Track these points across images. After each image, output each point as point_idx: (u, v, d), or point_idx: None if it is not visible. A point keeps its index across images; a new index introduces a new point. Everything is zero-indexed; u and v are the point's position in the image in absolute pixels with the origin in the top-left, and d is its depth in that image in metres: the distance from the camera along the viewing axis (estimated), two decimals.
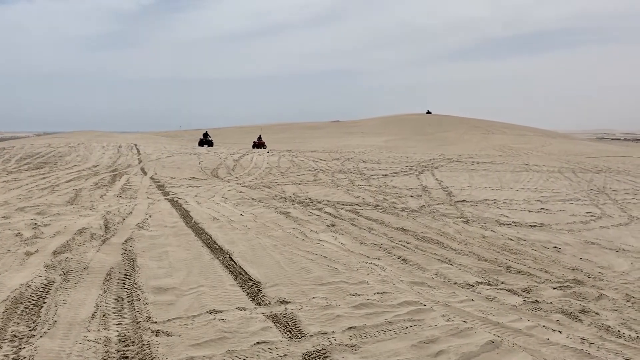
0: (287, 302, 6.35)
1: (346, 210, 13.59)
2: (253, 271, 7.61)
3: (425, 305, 6.33)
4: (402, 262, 8.50)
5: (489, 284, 7.39)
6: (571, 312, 6.30)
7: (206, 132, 47.22)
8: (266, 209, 13.45)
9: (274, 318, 5.83)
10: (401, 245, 9.66)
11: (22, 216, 10.99)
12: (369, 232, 10.84)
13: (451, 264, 8.39)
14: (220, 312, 5.97)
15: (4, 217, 10.85)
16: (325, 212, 13.20)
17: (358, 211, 13.53)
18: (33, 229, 9.74)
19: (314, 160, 30.00)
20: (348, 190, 18.16)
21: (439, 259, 8.69)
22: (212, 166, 25.89)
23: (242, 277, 7.34)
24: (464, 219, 12.69)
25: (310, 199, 15.63)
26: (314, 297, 6.55)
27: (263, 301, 6.41)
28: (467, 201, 15.82)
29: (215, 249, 8.87)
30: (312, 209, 13.65)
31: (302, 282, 7.17)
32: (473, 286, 7.26)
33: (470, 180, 21.42)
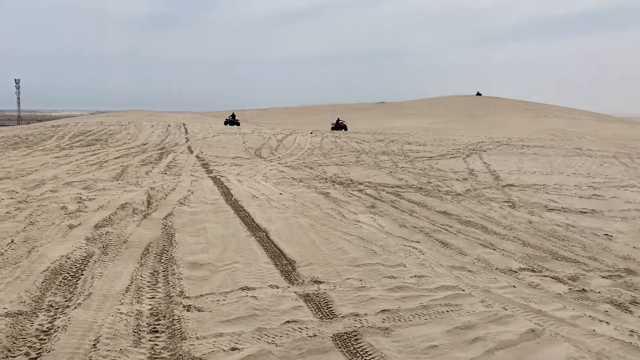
0: (320, 282, 6.24)
1: (387, 192, 13.35)
2: (288, 250, 7.54)
3: (463, 290, 6.09)
4: (442, 245, 8.24)
5: (533, 271, 7.06)
6: (621, 303, 5.92)
7: (233, 113, 49.79)
8: (306, 188, 13.37)
9: (306, 297, 5.74)
10: (443, 228, 9.39)
11: (68, 190, 11.30)
12: (410, 214, 10.60)
13: (494, 249, 8.08)
14: (253, 289, 5.92)
15: (52, 190, 11.19)
16: (366, 194, 13.00)
17: (400, 193, 13.26)
18: (78, 202, 9.99)
19: (357, 142, 29.72)
20: (391, 172, 17.87)
21: (481, 244, 8.38)
22: (256, 146, 26.02)
23: (277, 256, 7.28)
24: (510, 204, 12.24)
25: (351, 180, 15.45)
26: (348, 278, 6.42)
27: (296, 280, 6.33)
28: (515, 185, 15.27)
29: (253, 227, 8.85)
30: (353, 190, 13.48)
31: (337, 263, 7.05)
32: (516, 272, 6.96)
33: (519, 164, 20.69)
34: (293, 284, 6.20)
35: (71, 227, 8.21)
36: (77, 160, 17.56)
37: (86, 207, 9.70)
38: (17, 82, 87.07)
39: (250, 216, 9.62)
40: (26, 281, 5.84)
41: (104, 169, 15.32)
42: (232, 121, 45.57)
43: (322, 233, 8.61)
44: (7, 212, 9.06)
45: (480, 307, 5.58)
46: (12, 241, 7.35)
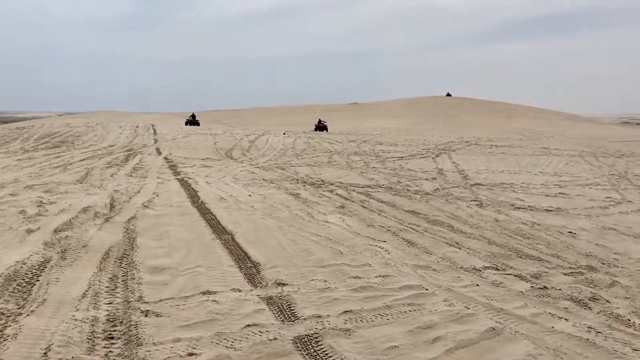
0: (284, 284, 6.16)
1: (358, 193, 13.35)
2: (254, 252, 7.44)
3: (427, 289, 6.09)
4: (408, 245, 8.25)
5: (497, 269, 7.12)
6: (580, 299, 6.00)
7: (193, 113, 50.50)
8: (276, 190, 13.28)
9: (269, 300, 5.66)
10: (410, 228, 9.41)
11: (29, 194, 10.98)
12: (379, 214, 10.60)
13: (459, 248, 8.12)
14: (214, 293, 5.81)
15: (12, 194, 10.86)
16: (336, 194, 12.97)
17: (370, 193, 13.27)
18: (38, 206, 9.70)
19: (329, 142, 29.72)
20: (362, 172, 17.89)
21: (447, 243, 8.42)
22: (227, 147, 25.80)
23: (241, 258, 7.18)
24: (477, 203, 12.36)
25: (322, 181, 15.42)
26: (312, 280, 6.36)
27: (260, 283, 6.24)
28: (482, 184, 15.44)
29: (218, 229, 8.72)
30: (323, 191, 13.44)
31: (302, 264, 6.99)
32: (480, 271, 7.00)
33: (487, 164, 20.96)
34: (256, 286, 6.12)
35: (29, 231, 7.96)
36: (40, 162, 17.12)
37: (46, 210, 9.42)
38: None
39: (216, 219, 9.49)
40: None
41: (67, 172, 14.96)
42: (192, 121, 46.39)
43: (290, 234, 8.54)
44: None
45: (443, 306, 5.58)
46: None
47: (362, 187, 14.33)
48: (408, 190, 14.05)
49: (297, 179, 15.62)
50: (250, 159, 21.90)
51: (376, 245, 8.04)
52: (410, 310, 5.47)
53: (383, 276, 6.50)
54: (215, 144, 27.07)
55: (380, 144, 29.94)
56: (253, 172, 17.08)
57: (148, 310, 5.25)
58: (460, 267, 7.12)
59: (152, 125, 36.67)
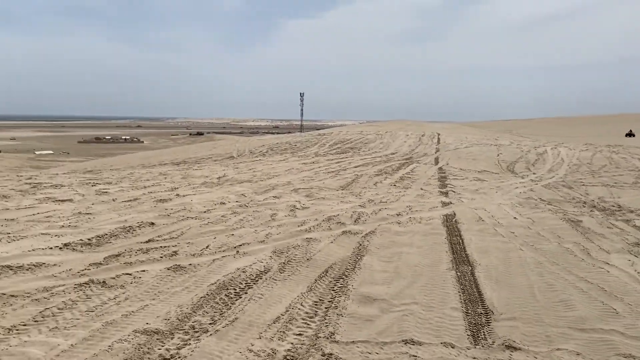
0: (515, 349, 4.58)
1: None
2: (491, 294, 5.94)
3: None
4: None
5: None
6: None
7: (630, 130, 53.58)
8: (551, 213, 11.07)
9: None
10: None
11: (290, 197, 11.41)
12: None
13: None
14: (419, 344, 4.62)
15: (275, 196, 11.44)
16: (634, 226, 10.11)
17: None
18: (290, 210, 9.90)
19: None
20: None
21: None
22: (510, 159, 23.54)
23: (472, 300, 5.77)
24: None
25: (618, 207, 12.37)
26: (559, 349, 4.60)
27: (484, 340, 4.78)
28: None
29: (460, 258, 7.39)
30: (616, 220, 10.65)
31: (552, 322, 5.21)
32: None
33: None
34: (477, 344, 4.69)
35: (268, 236, 8.01)
36: (319, 167, 18.15)
37: (295, 216, 9.52)
38: (301, 95, 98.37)
39: (462, 243, 8.15)
40: (190, 294, 5.64)
41: (337, 178, 15.38)
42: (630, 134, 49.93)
43: (548, 276, 6.68)
44: (222, 216, 9.43)
45: None
46: (207, 247, 7.42)
47: None
48: None
49: (585, 202, 12.89)
50: (534, 174, 19.38)
51: None
52: None
53: None
54: (498, 155, 25.05)
55: None
56: (532, 190, 14.86)
57: (331, 355, 4.39)
58: None
59: (438, 135, 36.34)
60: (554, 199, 13.28)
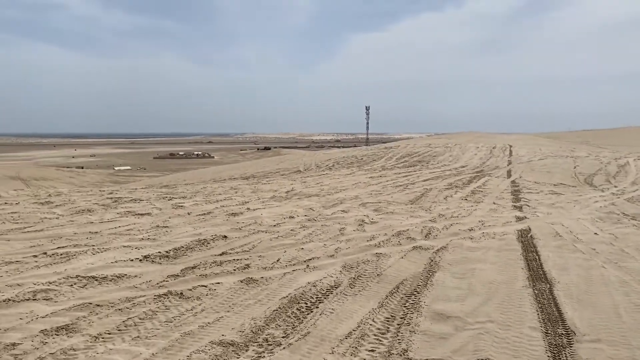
0: None
1: None
2: (572, 314, 5.65)
3: None
4: None
5: None
6: None
7: None
8: (636, 229, 10.43)
9: None
10: None
11: (359, 211, 11.39)
12: None
13: None
14: None
15: (344, 210, 11.46)
16: None
17: None
18: (358, 225, 9.88)
19: None
20: None
21: None
22: (589, 172, 22.43)
23: (552, 320, 5.51)
24: None
25: None
26: None
27: None
28: None
29: (537, 275, 7.09)
30: None
31: None
32: None
33: None
34: None
35: (337, 251, 8.03)
36: (387, 180, 18.03)
37: (364, 230, 9.49)
38: (367, 109, 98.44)
39: (539, 260, 7.82)
40: (262, 307, 5.73)
41: (406, 192, 15.21)
42: None
43: (634, 295, 6.29)
44: (291, 230, 9.54)
45: None
46: (278, 260, 7.53)
47: None
48: None
49: None
50: (615, 187, 18.35)
51: None
52: None
53: None
54: (574, 167, 23.94)
55: None
56: (613, 204, 14.08)
57: None
58: None
59: (510, 146, 35.22)
60: (638, 213, 12.52)
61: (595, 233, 9.93)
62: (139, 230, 9.56)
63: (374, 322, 5.39)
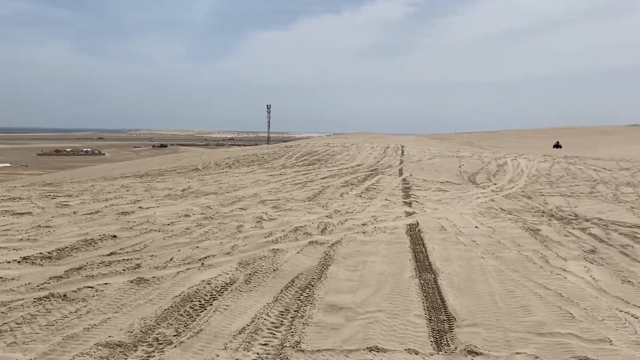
0: (476, 354, 4.70)
1: (620, 234, 10.57)
2: (453, 301, 6.07)
3: None
4: None
5: None
6: None
7: (557, 141, 59.45)
8: (511, 222, 11.37)
9: None
10: None
11: (257, 209, 11.40)
12: None
13: None
14: (383, 351, 4.69)
15: (242, 208, 11.41)
16: (589, 234, 10.47)
17: (638, 236, 10.38)
18: (257, 222, 9.89)
19: (595, 169, 25.47)
20: (632, 207, 14.45)
21: None
22: (472, 171, 24.08)
23: (435, 307, 5.88)
24: None
25: (575, 215, 12.80)
26: (518, 353, 4.74)
27: (447, 346, 4.89)
28: None
29: (423, 266, 7.53)
30: (573, 228, 11.02)
31: (512, 327, 5.36)
32: None
33: None
34: (440, 350, 4.79)
35: (234, 248, 7.99)
36: (286, 178, 18.19)
37: (262, 227, 9.52)
38: (268, 107, 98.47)
39: (426, 252, 8.30)
40: (153, 306, 5.58)
41: (304, 189, 15.44)
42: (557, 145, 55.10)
43: (509, 283, 6.87)
44: (186, 228, 9.35)
45: None
46: (171, 259, 7.35)
47: (629, 227, 11.35)
48: None
49: (543, 211, 13.28)
50: (495, 184, 19.87)
51: (628, 312, 5.85)
52: None
53: None
54: (459, 167, 25.59)
55: None
56: (492, 200, 15.23)
57: None
58: None
59: (402, 147, 36.87)
60: (514, 208, 13.65)
61: (476, 226, 10.70)
62: (17, 230, 8.89)
63: (268, 316, 5.44)
